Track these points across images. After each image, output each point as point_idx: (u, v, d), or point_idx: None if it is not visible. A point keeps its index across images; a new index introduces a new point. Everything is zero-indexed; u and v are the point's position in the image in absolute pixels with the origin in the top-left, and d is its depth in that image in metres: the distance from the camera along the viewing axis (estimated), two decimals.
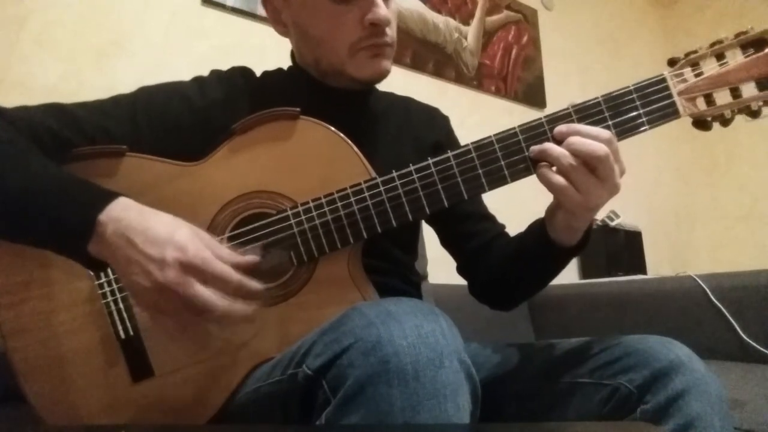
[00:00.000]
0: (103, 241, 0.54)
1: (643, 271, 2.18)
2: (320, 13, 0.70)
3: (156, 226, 0.54)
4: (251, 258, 0.58)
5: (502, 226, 0.86)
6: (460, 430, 0.43)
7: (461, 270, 0.86)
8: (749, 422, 0.83)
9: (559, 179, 0.59)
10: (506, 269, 0.77)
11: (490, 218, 0.87)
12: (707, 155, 2.83)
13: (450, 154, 0.61)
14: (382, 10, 0.69)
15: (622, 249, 2.15)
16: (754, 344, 1.25)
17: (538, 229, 0.69)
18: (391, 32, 0.72)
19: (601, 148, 0.57)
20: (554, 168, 0.60)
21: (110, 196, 0.56)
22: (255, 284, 0.56)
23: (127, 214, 0.54)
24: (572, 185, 0.58)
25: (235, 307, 0.54)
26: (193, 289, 0.52)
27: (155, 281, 0.52)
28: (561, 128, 0.60)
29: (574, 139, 0.58)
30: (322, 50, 0.73)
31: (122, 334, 0.63)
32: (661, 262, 2.52)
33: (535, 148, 0.60)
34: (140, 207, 0.56)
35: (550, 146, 0.59)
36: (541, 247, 0.68)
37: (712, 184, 2.80)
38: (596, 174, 0.58)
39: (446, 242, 0.88)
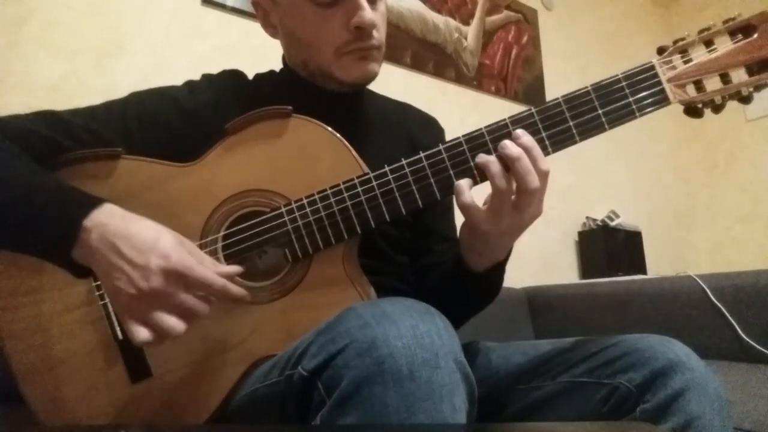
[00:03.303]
0: (88, 246, 0.54)
1: (643, 271, 2.18)
2: (305, 16, 0.70)
3: (140, 233, 0.54)
4: (234, 268, 0.59)
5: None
6: (457, 430, 0.43)
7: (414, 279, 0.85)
8: (749, 422, 0.83)
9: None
10: (434, 295, 0.75)
11: (451, 241, 0.84)
12: (707, 155, 2.83)
13: (441, 147, 0.61)
14: (367, 14, 0.68)
15: (622, 249, 2.15)
16: (754, 344, 1.25)
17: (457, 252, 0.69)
18: (378, 35, 0.72)
19: (535, 181, 0.57)
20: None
21: (95, 202, 0.56)
22: (239, 289, 0.57)
23: (111, 220, 0.55)
24: (492, 206, 0.58)
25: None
26: (177, 297, 0.53)
27: (139, 288, 0.52)
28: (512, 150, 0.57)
29: (521, 164, 0.57)
30: (309, 53, 0.73)
31: (120, 335, 0.63)
32: (661, 262, 2.51)
33: (481, 158, 0.59)
34: (125, 213, 0.56)
35: (493, 161, 0.58)
36: (457, 269, 0.69)
37: (712, 184, 2.80)
38: (517, 203, 0.58)
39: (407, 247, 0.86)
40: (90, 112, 0.70)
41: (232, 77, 0.80)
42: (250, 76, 0.82)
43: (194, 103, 0.73)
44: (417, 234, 0.82)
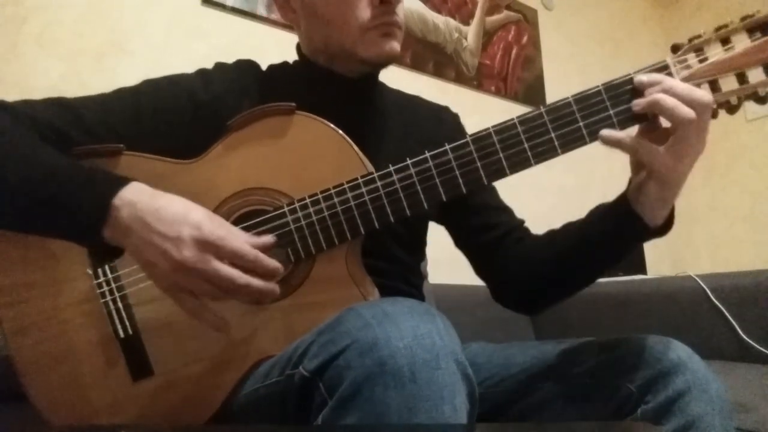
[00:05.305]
0: (118, 224, 0.54)
1: (643, 271, 2.18)
2: None
3: (170, 207, 0.54)
4: (267, 239, 0.58)
5: (521, 220, 0.83)
6: (457, 430, 0.43)
7: (481, 270, 0.82)
8: (749, 422, 0.83)
9: (653, 145, 0.57)
10: (557, 262, 0.73)
11: (508, 210, 0.83)
12: (707, 155, 2.78)
13: (447, 147, 0.61)
14: None
15: None
16: (754, 344, 1.25)
17: (615, 211, 0.66)
18: (401, 13, 0.72)
19: (705, 95, 0.55)
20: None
21: (123, 180, 0.56)
22: (273, 261, 0.56)
23: (140, 197, 0.55)
24: (672, 145, 0.57)
25: (255, 282, 0.54)
26: (211, 265, 0.52)
27: (172, 260, 0.52)
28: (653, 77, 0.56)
29: (681, 89, 0.55)
30: (332, 31, 0.71)
31: (121, 333, 0.63)
32: (661, 262, 2.51)
33: (641, 101, 0.57)
34: (152, 190, 0.56)
35: (663, 97, 0.55)
36: (627, 229, 0.64)
37: (712, 184, 2.80)
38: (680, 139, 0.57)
39: (461, 239, 0.84)
40: (101, 101, 0.70)
41: (247, 67, 0.79)
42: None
43: (208, 94, 0.72)
44: (469, 215, 0.80)
